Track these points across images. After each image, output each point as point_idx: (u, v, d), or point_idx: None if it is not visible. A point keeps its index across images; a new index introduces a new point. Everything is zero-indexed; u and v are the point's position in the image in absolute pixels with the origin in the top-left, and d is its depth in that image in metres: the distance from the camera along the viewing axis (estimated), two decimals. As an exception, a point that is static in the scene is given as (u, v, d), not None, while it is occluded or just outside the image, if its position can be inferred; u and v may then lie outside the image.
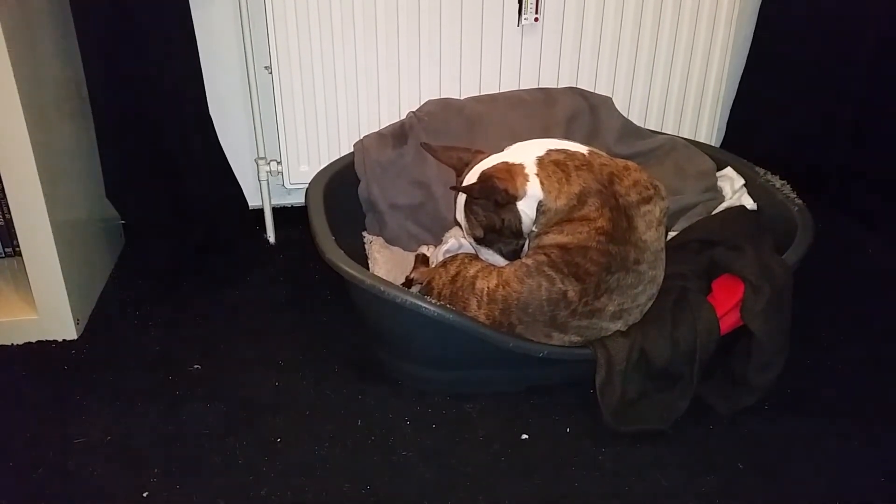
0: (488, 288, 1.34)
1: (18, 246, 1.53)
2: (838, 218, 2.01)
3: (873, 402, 1.43)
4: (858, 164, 2.01)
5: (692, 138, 1.94)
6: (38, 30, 1.49)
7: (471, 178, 1.39)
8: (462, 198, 1.40)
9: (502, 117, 1.78)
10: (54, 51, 1.57)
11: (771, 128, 2.03)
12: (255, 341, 1.58)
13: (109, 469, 1.26)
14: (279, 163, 1.89)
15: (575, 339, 1.34)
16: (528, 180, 1.34)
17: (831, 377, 1.50)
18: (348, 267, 1.36)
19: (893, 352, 1.57)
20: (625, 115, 1.88)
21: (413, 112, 1.77)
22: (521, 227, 1.37)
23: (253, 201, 1.96)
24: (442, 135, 1.72)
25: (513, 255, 1.41)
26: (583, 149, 1.38)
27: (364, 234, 1.79)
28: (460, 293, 1.36)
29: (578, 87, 1.87)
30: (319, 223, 1.50)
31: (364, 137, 1.77)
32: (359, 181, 1.74)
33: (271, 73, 1.76)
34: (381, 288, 1.31)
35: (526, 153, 1.37)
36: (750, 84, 2.04)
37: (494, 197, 1.33)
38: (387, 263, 1.68)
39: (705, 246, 1.49)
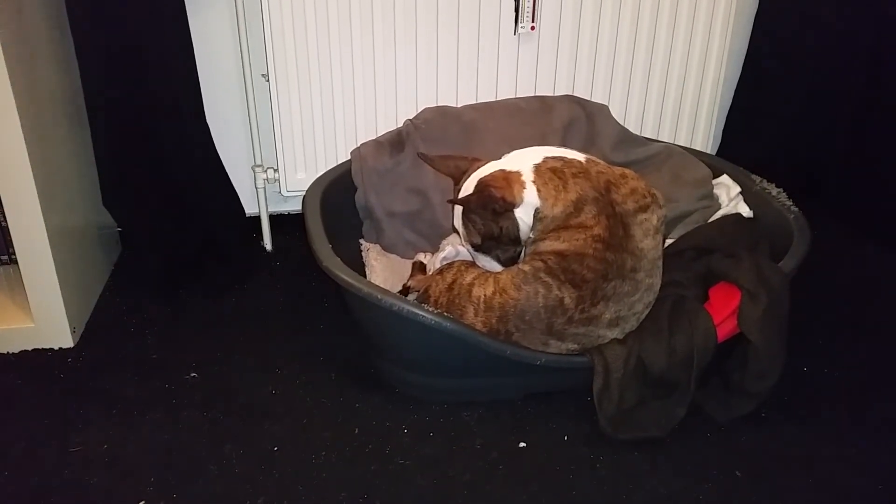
0: (485, 295, 1.34)
1: (14, 254, 1.52)
2: (834, 225, 2.02)
3: (870, 410, 1.43)
4: (854, 172, 2.02)
5: (688, 146, 1.95)
6: (34, 38, 1.49)
7: (468, 186, 1.39)
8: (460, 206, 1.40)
9: (499, 125, 1.78)
10: (51, 59, 1.57)
11: (767, 135, 2.03)
12: (252, 349, 1.58)
13: (106, 477, 1.26)
14: (276, 170, 1.88)
15: (572, 346, 1.34)
16: (524, 187, 1.34)
17: (828, 384, 1.50)
18: (345, 275, 1.36)
19: (890, 359, 1.57)
20: (621, 122, 1.88)
21: (410, 120, 1.78)
22: (518, 235, 1.37)
23: (250, 209, 1.96)
24: (439, 142, 1.73)
25: (510, 262, 1.41)
26: (580, 156, 1.39)
27: (361, 241, 1.79)
28: (457, 301, 1.36)
29: (575, 94, 1.87)
30: (316, 230, 1.50)
31: (361, 145, 1.77)
32: (356, 189, 1.74)
33: (268, 80, 1.77)
34: (378, 296, 1.31)
35: (523, 160, 1.37)
36: (746, 92, 2.05)
37: (492, 206, 1.33)
38: (384, 271, 1.68)
39: (702, 253, 1.50)
